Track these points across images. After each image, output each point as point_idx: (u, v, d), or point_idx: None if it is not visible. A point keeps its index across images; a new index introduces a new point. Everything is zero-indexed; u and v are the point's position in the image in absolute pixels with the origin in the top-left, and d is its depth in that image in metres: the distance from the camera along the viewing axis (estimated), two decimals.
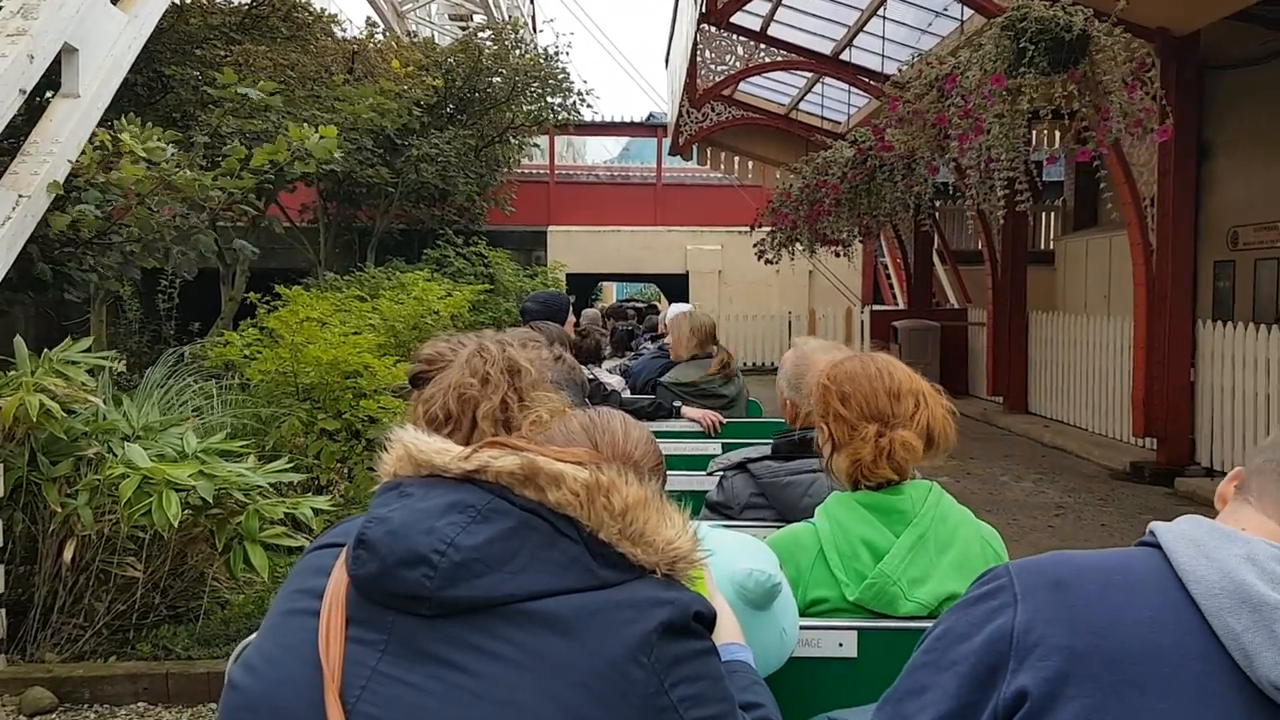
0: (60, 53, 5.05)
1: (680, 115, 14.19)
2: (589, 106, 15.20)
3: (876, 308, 15.18)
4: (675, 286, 18.70)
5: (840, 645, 1.56)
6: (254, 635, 1.06)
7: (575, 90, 15.09)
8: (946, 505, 1.67)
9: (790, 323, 17.61)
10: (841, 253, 11.13)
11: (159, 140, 5.54)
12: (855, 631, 1.56)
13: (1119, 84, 5.46)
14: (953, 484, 7.74)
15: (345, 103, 9.31)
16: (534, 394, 1.59)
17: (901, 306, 15.15)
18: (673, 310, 6.00)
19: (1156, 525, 0.93)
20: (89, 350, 4.53)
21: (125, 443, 4.32)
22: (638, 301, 17.41)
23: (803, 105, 13.98)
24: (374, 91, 9.60)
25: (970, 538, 1.66)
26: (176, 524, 3.95)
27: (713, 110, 14.20)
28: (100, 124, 5.44)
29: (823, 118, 13.96)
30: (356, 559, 0.97)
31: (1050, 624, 0.86)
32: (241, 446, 4.72)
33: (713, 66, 12.00)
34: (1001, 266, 10.89)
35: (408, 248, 14.81)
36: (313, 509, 4.40)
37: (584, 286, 19.10)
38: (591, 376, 3.95)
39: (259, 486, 4.33)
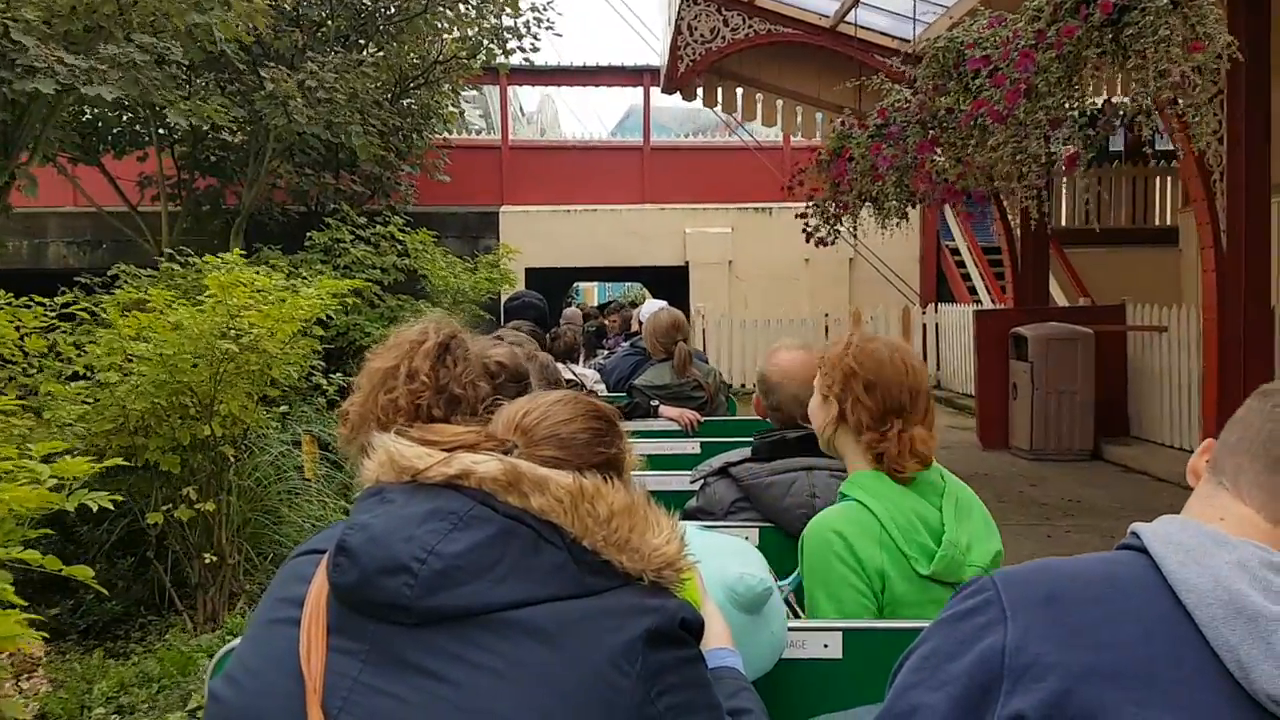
0: None
1: (679, 33, 9.72)
2: (549, 28, 10.69)
3: (980, 309, 10.74)
4: (672, 282, 14.15)
5: (825, 647, 1.53)
6: (235, 642, 1.06)
7: (529, 4, 10.61)
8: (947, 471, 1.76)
9: (827, 328, 13.06)
10: (984, 212, 6.60)
11: None
12: (840, 633, 1.53)
13: None
14: None
15: None
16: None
17: (997, 306, 10.73)
18: (645, 308, 6.23)
19: (1139, 527, 0.90)
20: None
21: None
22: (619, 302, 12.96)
23: (858, 14, 9.51)
24: None
25: (975, 497, 1.74)
26: None
27: (725, 24, 9.74)
28: None
29: (893, 36, 9.49)
30: (337, 566, 0.97)
31: (1043, 642, 0.83)
32: None
33: None
34: (1229, 239, 6.49)
35: (300, 232, 10.28)
36: None
37: (553, 284, 14.48)
38: (570, 376, 4.07)
39: None
